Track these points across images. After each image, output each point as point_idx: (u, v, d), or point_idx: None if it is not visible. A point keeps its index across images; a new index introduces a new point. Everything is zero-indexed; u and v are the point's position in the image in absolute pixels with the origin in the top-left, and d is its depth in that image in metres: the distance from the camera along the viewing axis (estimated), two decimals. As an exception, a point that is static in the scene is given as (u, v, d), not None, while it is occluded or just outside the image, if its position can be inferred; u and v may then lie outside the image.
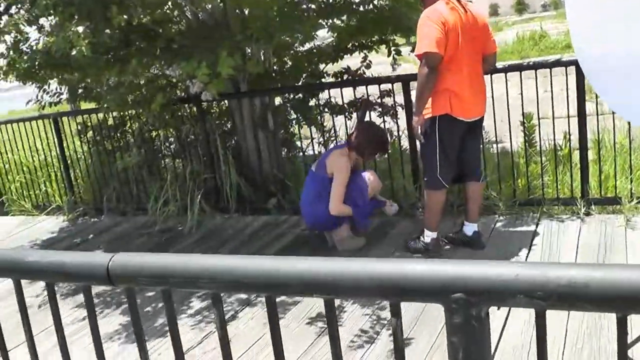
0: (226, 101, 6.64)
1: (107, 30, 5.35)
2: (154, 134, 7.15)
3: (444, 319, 1.11)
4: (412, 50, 6.36)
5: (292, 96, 6.53)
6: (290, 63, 6.72)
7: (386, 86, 6.03)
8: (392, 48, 6.36)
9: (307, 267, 1.21)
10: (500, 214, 5.36)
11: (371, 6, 6.00)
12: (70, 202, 7.75)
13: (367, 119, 5.60)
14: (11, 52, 5.73)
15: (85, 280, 1.52)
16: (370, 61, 6.58)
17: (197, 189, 6.39)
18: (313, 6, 5.74)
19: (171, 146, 7.18)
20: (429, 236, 4.71)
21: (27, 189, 8.38)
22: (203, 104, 6.44)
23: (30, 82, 6.59)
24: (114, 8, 4.98)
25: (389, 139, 5.40)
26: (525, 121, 5.76)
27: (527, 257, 4.48)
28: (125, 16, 5.15)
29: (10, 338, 3.85)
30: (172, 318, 1.45)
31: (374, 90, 6.10)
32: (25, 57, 5.65)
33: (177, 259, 1.40)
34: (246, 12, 5.91)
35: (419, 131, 4.47)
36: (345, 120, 6.34)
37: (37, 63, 5.75)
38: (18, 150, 8.47)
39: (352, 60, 6.85)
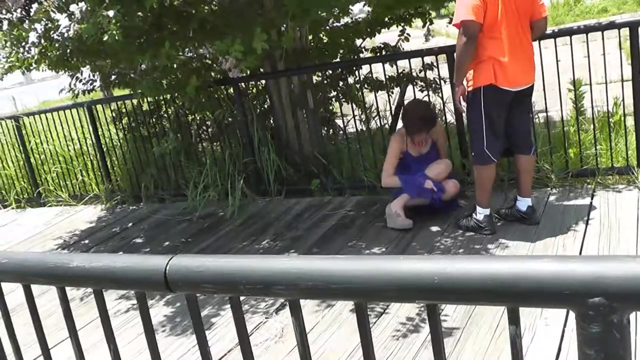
0: (263, 81, 6.47)
1: (140, 13, 5.19)
2: (190, 118, 6.99)
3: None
4: (450, 22, 6.18)
5: (330, 73, 6.33)
6: (326, 39, 6.51)
7: (428, 59, 5.81)
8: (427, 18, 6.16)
9: (406, 269, 1.02)
10: (553, 187, 5.12)
11: None
12: (107, 190, 7.66)
13: (409, 93, 5.41)
14: (42, 41, 5.60)
15: (140, 287, 1.36)
16: (408, 34, 6.36)
17: (237, 173, 6.23)
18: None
19: (209, 130, 7.02)
20: (481, 213, 4.50)
21: (64, 179, 8.32)
22: (241, 84, 6.27)
23: (64, 71, 6.49)
24: None
25: (433, 113, 5.16)
26: (575, 88, 5.48)
27: (584, 232, 4.23)
28: None
29: (53, 334, 3.84)
30: (243, 329, 1.28)
31: (416, 63, 5.89)
32: (56, 45, 5.52)
33: (246, 262, 1.22)
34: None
35: (461, 103, 4.33)
36: (388, 96, 6.10)
37: (69, 51, 5.63)
38: (53, 140, 8.39)
39: (389, 35, 6.65)
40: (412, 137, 4.98)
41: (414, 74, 5.98)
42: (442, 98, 5.90)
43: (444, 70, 5.57)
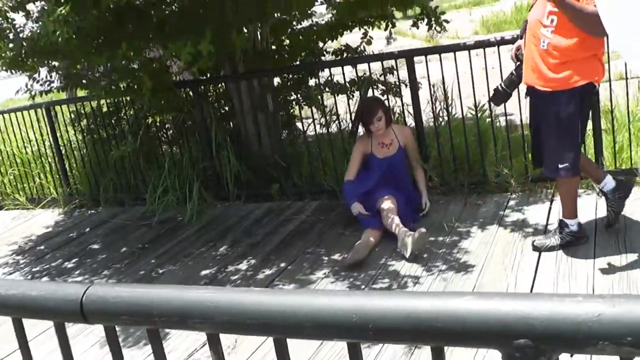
0: (224, 84, 6.37)
1: (94, 12, 5.05)
2: (149, 120, 6.88)
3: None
4: (414, 24, 6.11)
5: (291, 76, 6.26)
6: (288, 42, 6.44)
7: (389, 63, 5.76)
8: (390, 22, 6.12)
9: (324, 304, 0.95)
10: (513, 192, 5.12)
11: None
12: (65, 194, 7.50)
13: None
14: None
15: (56, 317, 1.28)
16: (371, 37, 6.32)
17: (196, 177, 6.14)
18: (309, -19, 5.44)
19: (168, 132, 6.91)
20: (573, 224, 4.06)
21: (21, 181, 8.13)
22: (200, 87, 6.17)
23: (19, 71, 6.32)
24: None
25: (373, 105, 5.01)
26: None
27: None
28: None
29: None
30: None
31: (376, 67, 5.83)
32: (10, 45, 5.37)
33: (162, 292, 1.15)
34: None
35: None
36: (348, 100, 6.04)
37: (23, 51, 5.47)
38: (11, 141, 8.19)
39: (352, 37, 6.59)
40: (371, 126, 4.89)
41: (374, 77, 5.92)
42: (402, 101, 5.84)
43: (404, 73, 5.52)
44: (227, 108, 6.64)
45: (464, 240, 4.47)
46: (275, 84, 6.44)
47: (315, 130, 6.19)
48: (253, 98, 6.08)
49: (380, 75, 5.93)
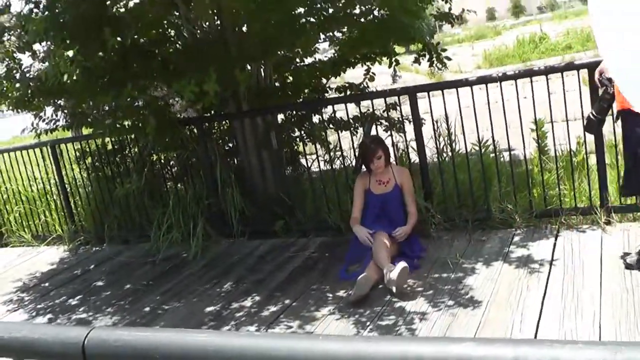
0: (228, 121, 6.43)
1: (100, 53, 5.12)
2: (154, 157, 6.94)
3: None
4: (415, 61, 6.16)
5: (294, 113, 6.32)
6: (291, 78, 6.51)
7: (392, 99, 5.82)
8: (393, 58, 6.18)
9: (323, 349, 0.95)
10: (517, 227, 5.11)
11: (372, 16, 5.77)
12: (70, 231, 7.52)
13: (373, 133, 5.41)
14: (3, 82, 5.50)
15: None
16: (373, 73, 6.39)
17: (200, 213, 6.16)
18: (312, 19, 5.51)
19: (173, 170, 6.96)
20: None
21: (27, 219, 8.14)
22: (204, 125, 6.22)
23: (26, 111, 6.39)
24: (106, 30, 4.79)
25: (372, 145, 5.06)
26: (537, 127, 5.49)
27: (549, 273, 4.21)
28: (119, 38, 4.96)
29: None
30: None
31: (380, 103, 5.89)
32: (17, 85, 5.43)
33: (167, 335, 1.15)
34: (244, 29, 5.69)
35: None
36: (351, 136, 6.10)
37: (30, 91, 5.54)
38: (16, 179, 8.23)
39: (354, 73, 6.66)
40: (370, 165, 4.99)
41: (378, 113, 5.98)
42: (405, 137, 5.88)
43: (408, 108, 5.57)
44: (231, 145, 6.68)
45: (469, 276, 4.46)
46: (279, 120, 6.47)
47: (319, 167, 6.24)
48: (257, 135, 6.13)
49: (383, 111, 5.98)
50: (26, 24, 4.99)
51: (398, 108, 6.01)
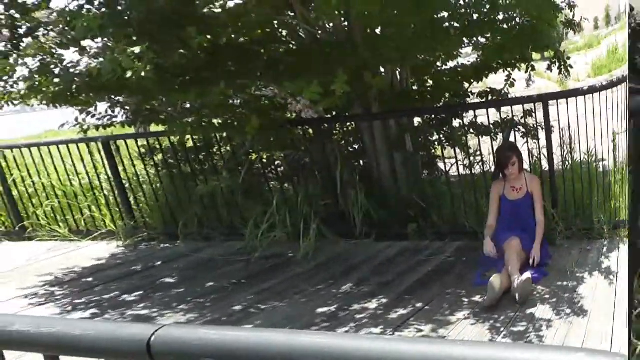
0: (353, 123, 6.47)
1: (181, 51, 5.10)
2: (253, 156, 6.99)
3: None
4: (548, 68, 6.40)
5: (433, 116, 6.41)
6: (431, 82, 6.60)
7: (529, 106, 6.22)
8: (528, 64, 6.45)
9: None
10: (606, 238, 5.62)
11: (514, 23, 6.03)
12: (128, 226, 7.42)
13: (512, 139, 5.59)
14: (36, 76, 5.40)
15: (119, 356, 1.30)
16: (514, 79, 6.63)
17: (314, 214, 6.24)
18: (456, 24, 5.62)
19: (279, 169, 6.98)
20: None
21: (62, 213, 7.99)
22: (324, 125, 6.26)
23: (66, 105, 6.24)
24: (190, 29, 4.82)
25: (508, 152, 5.32)
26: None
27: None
28: (209, 36, 4.95)
29: None
30: None
31: (519, 109, 6.25)
32: (56, 81, 5.32)
33: (263, 335, 1.18)
34: (377, 31, 5.76)
35: None
36: (491, 141, 6.37)
37: (75, 87, 5.44)
38: (49, 173, 8.07)
39: (495, 78, 6.85)
40: (505, 171, 5.25)
41: (516, 119, 6.14)
42: (538, 145, 6.05)
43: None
44: (356, 147, 6.77)
45: (580, 285, 4.72)
46: (416, 123, 6.63)
47: (458, 171, 6.43)
48: (389, 137, 6.28)
49: (521, 118, 6.15)
50: (73, 20, 4.93)
51: (534, 115, 6.32)
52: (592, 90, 5.70)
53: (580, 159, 6.03)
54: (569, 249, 5.54)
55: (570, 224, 5.78)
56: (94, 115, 7.01)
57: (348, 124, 6.89)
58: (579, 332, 3.96)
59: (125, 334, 1.26)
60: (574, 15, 6.83)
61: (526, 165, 5.81)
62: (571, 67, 6.63)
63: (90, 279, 6.02)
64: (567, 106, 5.73)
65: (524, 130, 6.37)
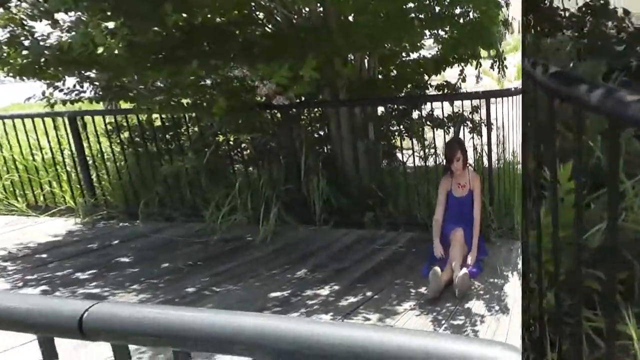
0: (320, 109, 6.58)
1: (156, 28, 5.15)
2: (220, 138, 7.00)
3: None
4: (491, 66, 6.62)
5: (395, 107, 6.56)
6: (395, 72, 6.76)
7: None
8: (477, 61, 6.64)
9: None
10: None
11: (468, 19, 6.20)
12: (88, 204, 7.39)
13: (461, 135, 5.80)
14: (4, 47, 5.43)
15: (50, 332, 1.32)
16: (465, 75, 6.83)
17: (276, 198, 6.27)
18: (421, 15, 5.79)
19: (244, 152, 7.03)
20: None
21: (22, 188, 7.96)
22: (291, 110, 6.36)
23: (34, 79, 6.25)
24: (167, 6, 4.79)
25: (453, 147, 5.44)
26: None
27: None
28: (185, 15, 5.00)
29: None
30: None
31: (468, 104, 6.40)
32: (24, 53, 5.35)
33: (188, 315, 1.20)
34: (350, 18, 5.90)
35: None
36: (444, 135, 6.46)
37: (43, 59, 5.47)
38: (11, 147, 8.03)
39: (449, 73, 7.07)
40: (451, 166, 5.33)
41: (465, 115, 6.38)
42: (481, 142, 6.30)
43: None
44: (322, 133, 6.83)
45: (507, 283, 4.88)
46: (379, 113, 6.78)
47: (414, 163, 6.51)
48: (354, 125, 6.37)
49: (469, 114, 6.40)
50: (47, -8, 4.93)
51: (479, 111, 6.42)
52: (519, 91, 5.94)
53: (509, 159, 6.27)
54: (500, 247, 5.72)
55: (502, 222, 5.96)
56: (61, 90, 7.01)
57: (316, 109, 6.97)
58: (504, 329, 4.08)
59: (57, 310, 1.26)
60: (508, 15, 7.03)
61: (472, 161, 6.00)
62: (506, 67, 6.87)
63: (44, 255, 5.99)
64: (502, 105, 5.96)
65: (471, 125, 6.53)
